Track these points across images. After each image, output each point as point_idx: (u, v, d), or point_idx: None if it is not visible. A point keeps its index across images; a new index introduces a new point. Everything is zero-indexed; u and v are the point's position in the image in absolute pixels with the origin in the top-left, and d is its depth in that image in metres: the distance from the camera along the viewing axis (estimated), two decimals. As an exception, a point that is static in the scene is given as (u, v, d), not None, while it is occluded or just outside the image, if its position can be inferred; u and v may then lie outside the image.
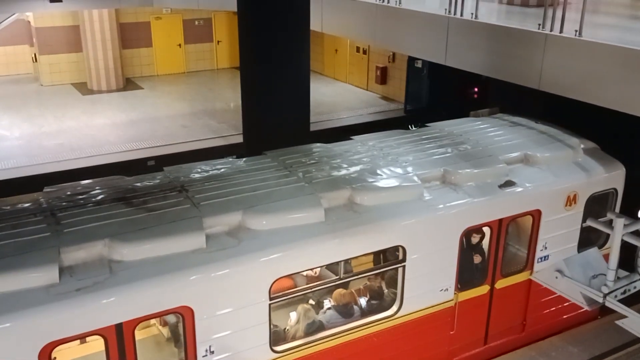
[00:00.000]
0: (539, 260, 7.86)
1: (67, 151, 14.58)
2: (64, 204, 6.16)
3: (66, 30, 20.19)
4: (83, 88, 20.22)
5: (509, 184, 7.41)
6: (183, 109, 18.27)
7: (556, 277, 6.14)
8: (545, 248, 7.85)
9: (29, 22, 20.49)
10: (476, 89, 15.83)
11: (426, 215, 6.77)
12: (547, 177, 7.69)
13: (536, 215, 7.64)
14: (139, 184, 6.65)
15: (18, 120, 16.89)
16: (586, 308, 6.20)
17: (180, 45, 22.34)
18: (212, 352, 5.77)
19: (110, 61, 20.03)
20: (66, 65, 20.53)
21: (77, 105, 18.54)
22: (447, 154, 7.72)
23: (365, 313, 7.03)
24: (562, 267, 6.16)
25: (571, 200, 7.79)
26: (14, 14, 19.85)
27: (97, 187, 6.58)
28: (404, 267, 6.73)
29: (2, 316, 4.84)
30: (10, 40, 20.92)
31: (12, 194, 6.93)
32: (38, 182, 7.32)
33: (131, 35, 21.18)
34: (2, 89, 19.91)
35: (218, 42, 23.03)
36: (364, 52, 20.23)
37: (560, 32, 8.43)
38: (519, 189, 7.42)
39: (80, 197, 6.31)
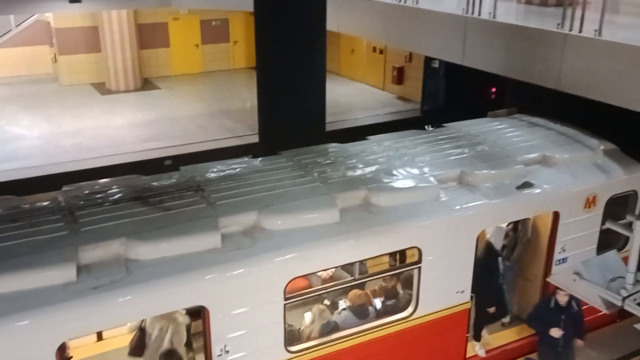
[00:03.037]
0: (557, 262, 7.78)
1: (86, 150, 14.71)
2: (82, 202, 6.21)
3: (85, 30, 20.38)
4: (102, 88, 20.40)
5: (526, 185, 7.33)
6: (200, 108, 18.35)
7: (574, 280, 6.06)
8: (564, 250, 7.76)
9: (49, 22, 20.71)
10: (494, 89, 15.70)
11: (442, 216, 6.72)
12: (566, 179, 7.61)
13: (554, 217, 7.56)
14: (155, 184, 6.69)
15: (38, 120, 17.08)
16: (604, 311, 6.11)
17: (197, 45, 22.44)
18: (227, 352, 5.78)
19: (129, 61, 20.17)
20: (85, 65, 20.72)
21: (96, 105, 18.70)
22: (464, 155, 7.67)
23: (380, 314, 7.01)
24: (580, 270, 6.08)
25: (590, 202, 7.70)
26: (34, 14, 20.12)
27: (114, 186, 6.63)
28: (419, 268, 6.69)
29: (21, 313, 4.89)
30: (30, 40, 21.16)
31: (31, 193, 6.99)
32: (57, 181, 7.38)
33: (149, 36, 21.32)
34: (22, 88, 20.15)
35: (235, 42, 23.10)
36: (381, 52, 20.17)
37: (580, 31, 8.32)
38: (537, 191, 7.34)
39: (98, 196, 6.37)
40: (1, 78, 20.93)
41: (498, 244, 7.84)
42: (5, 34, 20.90)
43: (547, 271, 7.80)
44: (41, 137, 15.80)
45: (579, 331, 7.36)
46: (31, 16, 20.58)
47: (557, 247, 7.71)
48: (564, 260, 7.77)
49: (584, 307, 7.12)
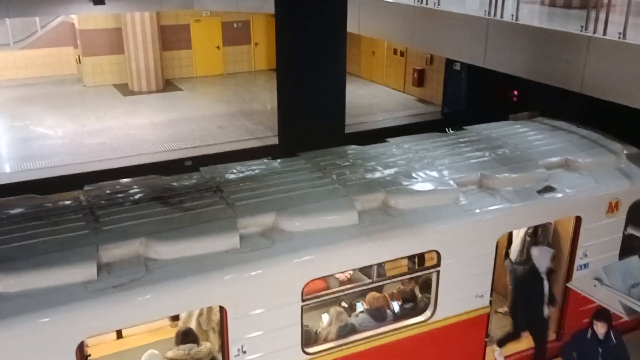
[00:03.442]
0: (579, 268, 7.67)
1: (108, 150, 14.91)
2: (103, 202, 6.28)
3: (109, 32, 20.65)
4: (124, 89, 20.64)
5: (548, 189, 7.24)
6: (220, 110, 18.47)
7: (595, 286, 5.98)
8: (585, 256, 7.66)
9: (73, 24, 21.02)
10: (516, 92, 15.57)
11: (462, 219, 6.67)
12: (589, 183, 7.50)
13: (576, 222, 7.46)
14: (175, 184, 6.74)
15: (62, 120, 17.34)
16: (625, 318, 6.03)
17: (218, 47, 22.61)
18: (244, 352, 5.80)
19: (151, 63, 20.40)
20: (108, 66, 21.00)
21: (118, 105, 18.94)
22: (485, 158, 7.60)
23: (398, 317, 6.98)
24: (601, 275, 6.00)
25: (613, 207, 7.58)
26: (59, 16, 20.42)
27: (135, 186, 6.69)
28: (438, 272, 6.66)
29: (42, 311, 4.95)
30: (55, 42, 21.50)
31: (55, 192, 7.09)
32: (79, 180, 7.49)
33: (171, 38, 21.54)
34: (47, 89, 20.48)
35: (255, 44, 23.22)
36: (401, 54, 20.12)
37: (604, 34, 8.23)
38: (559, 195, 7.25)
39: (119, 195, 6.44)
40: (27, 79, 21.31)
41: (543, 266, 7.44)
42: (31, 35, 21.24)
43: (569, 277, 7.70)
44: (65, 136, 16.04)
45: None
46: (56, 18, 20.90)
47: (579, 253, 7.61)
48: (585, 265, 7.67)
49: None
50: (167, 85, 21.22)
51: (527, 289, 7.52)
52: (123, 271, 5.35)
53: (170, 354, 6.17)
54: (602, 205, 7.51)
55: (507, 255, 8.47)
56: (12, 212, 6.12)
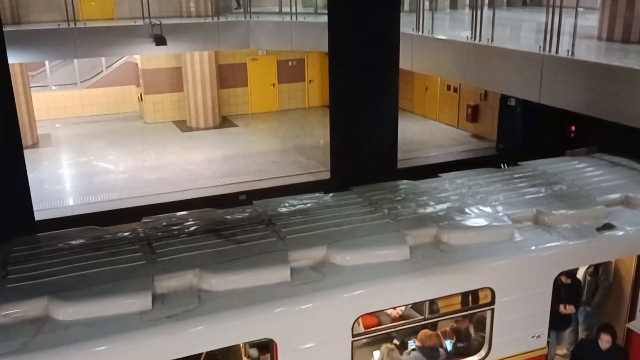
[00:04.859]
0: (642, 309, 7.35)
1: (166, 185, 15.34)
2: (160, 234, 6.46)
3: (169, 71, 21.47)
4: (183, 125, 21.30)
5: (607, 227, 7.00)
6: (275, 145, 18.79)
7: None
8: (649, 297, 7.33)
9: (136, 64, 21.97)
10: (573, 128, 15.22)
11: (517, 256, 6.51)
12: (651, 221, 7.22)
13: (638, 261, 7.17)
14: (229, 217, 6.88)
15: (123, 155, 18.00)
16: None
17: (274, 84, 23.12)
18: (295, 386, 5.77)
19: (209, 100, 21.02)
20: (168, 104, 21.76)
21: (177, 141, 19.53)
22: (541, 194, 7.44)
23: (451, 356, 6.82)
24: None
25: (677, 247, 7.25)
26: (123, 57, 21.42)
27: (190, 219, 6.87)
28: (492, 310, 6.49)
29: (99, 339, 5.08)
30: (119, 81, 22.51)
31: (115, 224, 7.35)
32: (139, 213, 7.74)
33: (228, 76, 22.19)
34: (110, 126, 21.36)
35: (310, 81, 23.63)
36: (455, 90, 20.06)
37: (665, 68, 8.02)
38: (619, 233, 7.00)
39: (175, 228, 6.61)
40: (92, 116, 22.30)
41: None
42: (97, 75, 22.33)
43: (631, 318, 7.36)
44: (126, 171, 16.61)
45: None
46: (121, 58, 21.92)
47: (642, 294, 7.29)
48: (649, 307, 7.33)
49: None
50: (224, 121, 21.78)
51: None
52: (177, 302, 5.46)
53: None
54: (666, 244, 7.20)
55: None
56: (73, 242, 6.37)
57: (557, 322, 7.70)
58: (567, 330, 8.14)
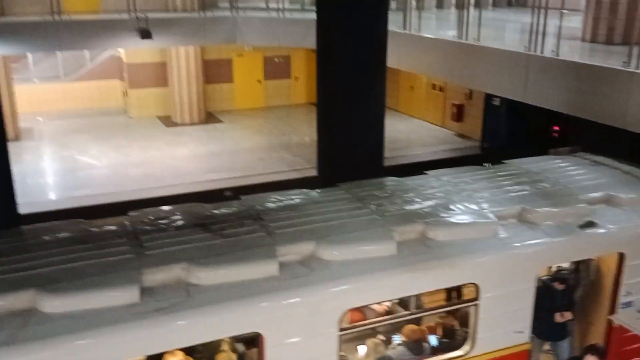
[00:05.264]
0: (622, 306, 7.47)
1: (150, 180, 15.27)
2: (147, 227, 6.45)
3: (154, 66, 21.35)
4: (167, 121, 21.21)
5: (590, 224, 7.13)
6: (260, 142, 18.79)
7: (638, 319, 5.82)
8: (629, 294, 7.45)
9: (120, 58, 21.82)
10: (556, 128, 15.43)
11: (501, 253, 6.61)
12: (632, 219, 7.35)
13: (619, 258, 7.30)
14: (216, 212, 6.89)
15: (107, 150, 17.89)
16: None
17: (259, 81, 23.10)
18: (281, 380, 5.81)
19: (194, 96, 20.94)
20: (153, 99, 21.65)
21: (161, 136, 19.45)
22: (525, 192, 7.54)
23: (435, 351, 6.90)
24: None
25: (658, 245, 7.40)
26: (107, 50, 21.27)
27: (177, 213, 6.85)
28: (477, 305, 6.58)
29: (85, 332, 5.07)
30: (103, 75, 22.36)
31: (98, 218, 7.31)
32: (122, 209, 7.70)
33: (214, 72, 22.12)
34: (94, 120, 21.21)
35: (295, 78, 23.64)
36: (440, 89, 20.20)
37: (647, 69, 8.17)
38: (601, 231, 7.12)
39: (163, 221, 6.60)
40: (75, 110, 22.12)
41: None
42: (81, 68, 22.14)
43: (611, 313, 7.49)
44: (109, 166, 16.52)
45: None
46: (105, 52, 21.75)
47: (622, 290, 7.41)
48: (629, 304, 7.45)
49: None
50: (209, 117, 21.72)
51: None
52: (164, 295, 5.46)
53: None
54: (646, 242, 7.34)
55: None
56: (59, 235, 6.33)
57: (555, 332, 7.69)
58: (566, 340, 7.86)
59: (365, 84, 9.18)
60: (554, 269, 7.75)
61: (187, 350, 6.09)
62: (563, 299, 7.51)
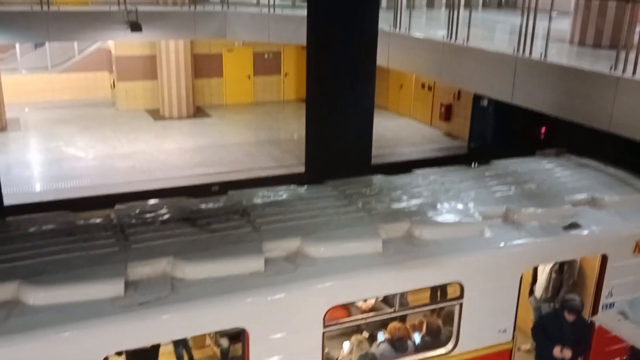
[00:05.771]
0: (604, 307, 7.56)
1: (138, 173, 15.19)
2: (133, 221, 6.43)
3: (143, 59, 21.21)
4: (155, 114, 21.08)
5: (573, 226, 7.20)
6: (249, 137, 18.75)
7: (618, 320, 5.90)
8: (611, 295, 7.55)
9: (109, 50, 21.66)
10: (543, 129, 15.53)
11: (486, 252, 6.66)
12: (615, 222, 7.44)
13: (602, 260, 7.39)
14: (203, 206, 6.88)
15: (94, 142, 17.76)
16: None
17: (249, 76, 23.02)
18: (264, 375, 5.82)
19: (183, 90, 20.84)
20: (141, 92, 21.51)
21: (149, 130, 19.33)
22: (511, 192, 7.61)
23: (419, 349, 6.94)
24: (626, 310, 5.92)
25: (640, 247, 7.50)
26: (96, 42, 21.10)
27: (164, 207, 6.84)
28: (461, 304, 6.63)
29: (69, 324, 5.05)
30: (91, 67, 22.17)
31: (84, 211, 7.27)
32: (109, 201, 7.67)
33: (204, 66, 22.02)
34: (81, 112, 21.03)
35: (285, 74, 23.60)
36: (429, 88, 20.27)
37: (634, 74, 8.24)
38: (585, 232, 7.20)
39: (149, 215, 6.58)
40: (63, 101, 21.91)
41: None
42: (69, 59, 21.94)
43: (594, 313, 7.58)
44: (96, 158, 16.40)
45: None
46: (93, 44, 21.57)
47: (605, 292, 7.50)
48: (611, 305, 7.55)
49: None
50: (198, 112, 21.62)
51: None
52: (149, 289, 5.45)
53: None
54: (628, 245, 7.43)
55: (532, 292, 8.39)
56: (44, 227, 6.30)
57: None
58: None
59: (354, 81, 9.20)
60: (563, 295, 7.52)
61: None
62: (571, 333, 6.97)
